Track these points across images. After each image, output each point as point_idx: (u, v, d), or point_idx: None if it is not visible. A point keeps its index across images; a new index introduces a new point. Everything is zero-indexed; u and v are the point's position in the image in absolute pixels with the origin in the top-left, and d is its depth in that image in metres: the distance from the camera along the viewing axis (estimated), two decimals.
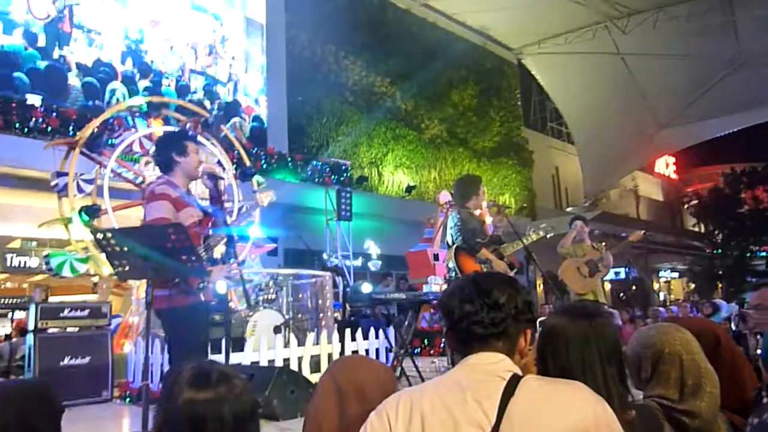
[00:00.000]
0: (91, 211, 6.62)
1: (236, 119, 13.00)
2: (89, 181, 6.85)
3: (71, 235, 6.52)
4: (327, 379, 1.65)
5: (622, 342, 1.62)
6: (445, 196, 10.04)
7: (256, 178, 8.08)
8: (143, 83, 11.59)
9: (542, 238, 5.05)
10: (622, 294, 21.07)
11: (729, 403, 1.81)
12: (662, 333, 1.76)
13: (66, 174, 6.52)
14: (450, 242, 4.93)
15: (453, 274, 4.82)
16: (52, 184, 6.56)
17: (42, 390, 1.50)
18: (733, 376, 1.84)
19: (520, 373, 1.35)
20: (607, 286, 21.32)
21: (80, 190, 6.75)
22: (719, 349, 1.90)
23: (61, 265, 6.42)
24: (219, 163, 7.75)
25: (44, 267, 6.52)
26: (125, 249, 2.79)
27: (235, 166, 8.50)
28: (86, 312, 5.49)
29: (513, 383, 1.31)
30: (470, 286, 1.43)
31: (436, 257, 8.12)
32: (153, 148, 5.20)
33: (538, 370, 1.54)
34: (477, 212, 5.20)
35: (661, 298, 25.26)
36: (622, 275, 17.62)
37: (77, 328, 5.42)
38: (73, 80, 10.61)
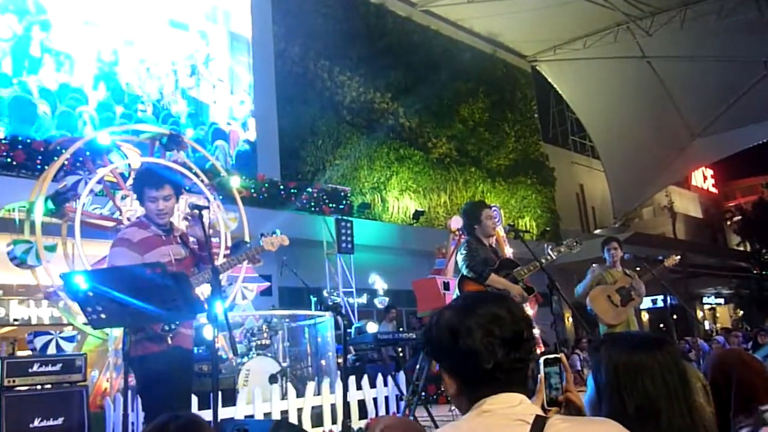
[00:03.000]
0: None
1: (221, 143, 13.12)
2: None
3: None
4: None
5: None
6: (456, 222, 10.06)
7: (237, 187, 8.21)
8: (119, 109, 11.74)
9: (563, 254, 5.03)
10: (662, 324, 20.88)
11: None
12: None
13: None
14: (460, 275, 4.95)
15: None
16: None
17: None
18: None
19: (542, 413, 1.35)
20: (645, 316, 21.18)
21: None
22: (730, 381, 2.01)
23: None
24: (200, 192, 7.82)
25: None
26: (99, 293, 2.80)
27: (221, 197, 8.58)
28: (59, 366, 5.46)
29: (538, 426, 1.31)
30: (477, 316, 1.41)
31: (446, 286, 8.09)
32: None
33: (613, 409, 1.55)
34: (491, 240, 5.20)
35: (707, 327, 24.98)
36: (660, 303, 17.47)
37: (49, 385, 5.39)
38: (43, 108, 10.77)
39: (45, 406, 5.22)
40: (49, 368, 5.41)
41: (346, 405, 4.84)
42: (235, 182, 8.40)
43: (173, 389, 3.26)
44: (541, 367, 1.54)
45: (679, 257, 6.37)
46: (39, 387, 5.37)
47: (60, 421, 5.21)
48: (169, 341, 3.34)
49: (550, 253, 4.97)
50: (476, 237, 5.06)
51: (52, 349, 6.42)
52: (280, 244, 4.22)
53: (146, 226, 3.52)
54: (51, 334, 6.50)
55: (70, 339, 6.48)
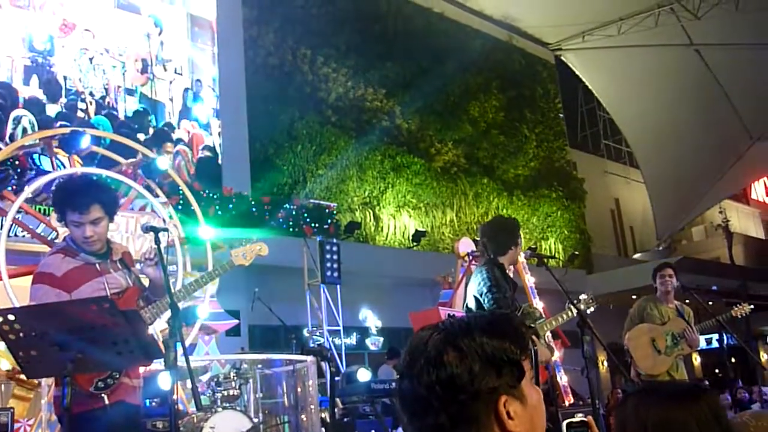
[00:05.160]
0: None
1: (182, 148, 13.15)
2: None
3: None
4: None
5: None
6: (466, 245, 10.10)
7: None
8: (54, 108, 11.77)
9: (581, 312, 5.04)
10: (717, 370, 20.89)
11: None
12: (742, 425, 1.80)
13: None
14: (474, 308, 4.87)
15: None
16: None
17: None
18: None
19: None
20: (697, 360, 21.14)
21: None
22: None
23: None
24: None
25: None
26: (33, 334, 2.81)
27: (179, 213, 8.61)
28: None
29: None
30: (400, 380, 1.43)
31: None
32: None
33: None
34: (510, 269, 5.20)
35: None
36: (715, 344, 17.49)
37: None
38: None
39: None
40: None
41: None
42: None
43: None
44: None
45: (752, 307, 6.37)
46: None
47: None
48: (106, 400, 3.30)
49: (571, 309, 4.92)
50: (500, 264, 4.87)
51: None
52: (256, 256, 4.17)
53: (74, 253, 3.47)
54: None
55: None
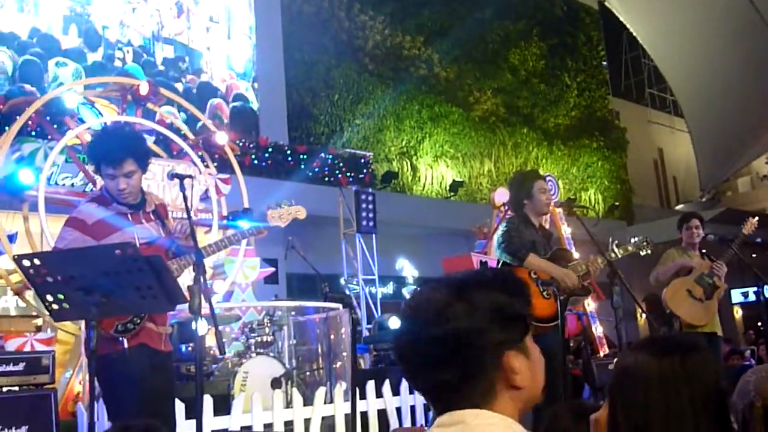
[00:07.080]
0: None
1: (217, 100, 13.20)
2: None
3: None
4: None
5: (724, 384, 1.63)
6: (502, 195, 10.05)
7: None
8: (92, 57, 11.86)
9: (630, 253, 5.00)
10: (760, 323, 20.62)
11: None
12: (760, 380, 1.76)
13: None
14: (497, 257, 4.94)
15: None
16: None
17: None
18: None
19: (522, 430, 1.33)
20: (738, 312, 20.90)
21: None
22: None
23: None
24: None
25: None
26: (60, 278, 2.86)
27: (216, 163, 8.68)
28: (21, 366, 5.58)
29: None
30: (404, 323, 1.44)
31: (483, 266, 8.08)
32: None
33: (609, 428, 1.57)
34: (542, 220, 5.21)
35: None
36: (752, 296, 17.23)
37: (14, 388, 5.52)
38: (2, 57, 10.93)
39: (5, 413, 5.34)
40: (11, 368, 5.53)
41: (363, 416, 4.89)
42: (222, 139, 8.44)
43: (140, 395, 3.32)
44: None
45: (756, 219, 6.26)
46: None
47: (23, 430, 5.34)
48: (126, 344, 3.37)
49: (615, 250, 4.97)
50: (524, 215, 5.04)
51: None
52: (293, 218, 4.20)
53: (108, 203, 3.53)
54: (25, 336, 6.72)
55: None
